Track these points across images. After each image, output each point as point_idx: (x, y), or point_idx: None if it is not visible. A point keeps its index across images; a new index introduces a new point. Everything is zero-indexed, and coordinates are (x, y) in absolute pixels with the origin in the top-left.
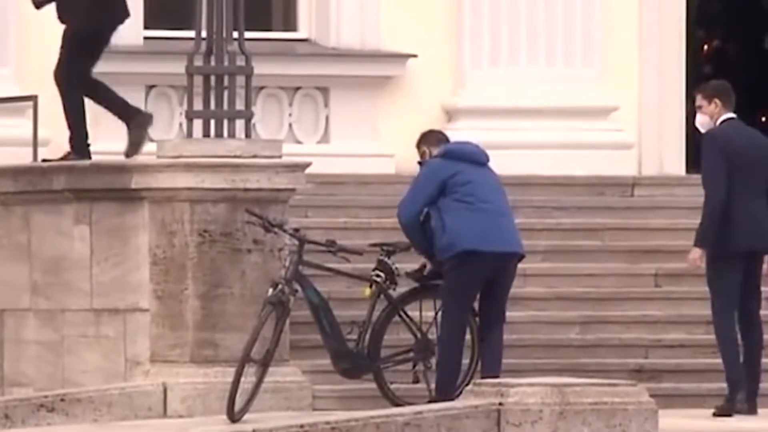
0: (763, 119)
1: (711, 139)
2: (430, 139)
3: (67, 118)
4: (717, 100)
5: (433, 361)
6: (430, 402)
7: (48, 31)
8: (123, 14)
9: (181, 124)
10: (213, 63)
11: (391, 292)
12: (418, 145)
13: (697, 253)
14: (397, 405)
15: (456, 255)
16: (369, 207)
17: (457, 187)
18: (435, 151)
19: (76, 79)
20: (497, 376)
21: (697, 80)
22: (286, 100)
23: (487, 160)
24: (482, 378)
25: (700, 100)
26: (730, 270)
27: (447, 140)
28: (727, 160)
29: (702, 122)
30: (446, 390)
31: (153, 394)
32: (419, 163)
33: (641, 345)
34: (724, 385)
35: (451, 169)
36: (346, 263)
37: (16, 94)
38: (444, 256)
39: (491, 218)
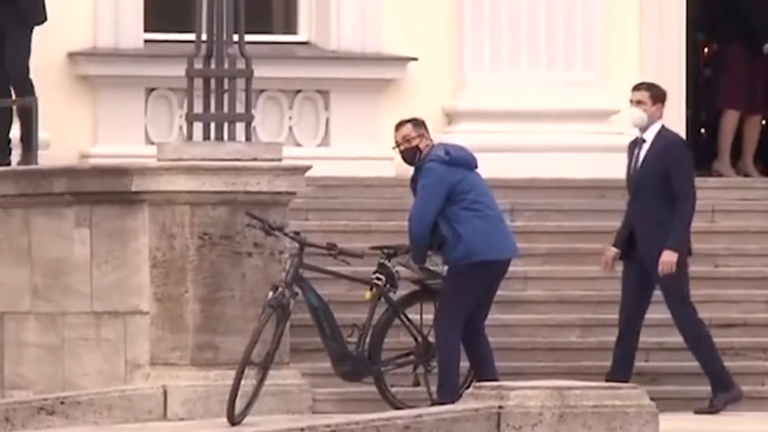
0: (763, 122)
1: (684, 148)
2: (425, 125)
3: (24, 117)
4: (660, 105)
5: (434, 363)
6: (432, 405)
7: (44, 35)
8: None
9: (181, 127)
10: (213, 66)
11: (391, 295)
12: (414, 127)
13: (674, 257)
14: (398, 408)
15: (471, 264)
16: (369, 210)
17: (464, 195)
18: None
19: None
20: (496, 380)
21: (697, 83)
22: (287, 103)
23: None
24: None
25: (645, 98)
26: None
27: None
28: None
29: (638, 119)
30: (449, 393)
31: (153, 397)
32: (415, 149)
33: (642, 348)
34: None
35: (457, 175)
36: (346, 266)
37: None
38: (457, 264)
39: (497, 225)
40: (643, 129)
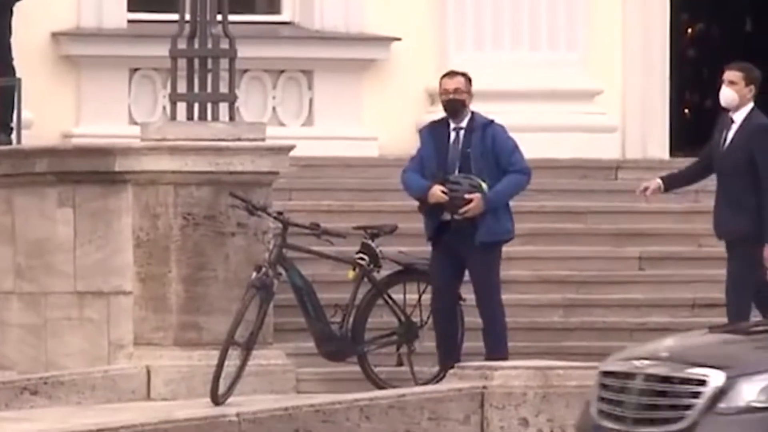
0: None
1: None
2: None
3: (5, 97)
4: (753, 87)
5: (417, 344)
6: (416, 386)
7: (27, 15)
8: None
9: (164, 107)
10: (197, 46)
11: (374, 274)
12: (467, 82)
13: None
14: (381, 388)
15: (510, 240)
16: (353, 190)
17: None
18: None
19: None
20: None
21: (680, 63)
22: (270, 83)
23: None
24: (489, 360)
25: (737, 78)
26: None
27: None
28: None
29: (730, 99)
30: (502, 352)
31: (136, 377)
32: (461, 102)
33: (625, 328)
34: None
35: None
36: (329, 246)
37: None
38: (503, 236)
39: None
40: (734, 110)
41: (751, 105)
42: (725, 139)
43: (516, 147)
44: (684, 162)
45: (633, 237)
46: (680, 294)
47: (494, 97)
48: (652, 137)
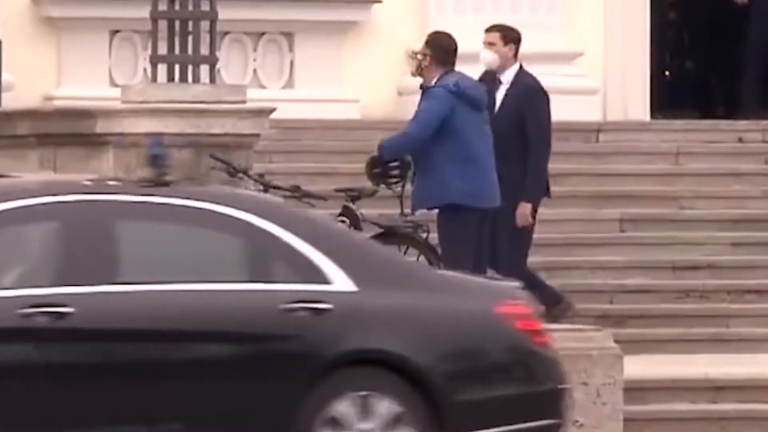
0: None
1: (540, 92)
2: (447, 52)
3: None
4: (513, 45)
5: None
6: None
7: None
8: None
9: (145, 70)
10: (177, 8)
11: None
12: (429, 46)
13: (529, 209)
14: None
15: (445, 206)
16: (334, 152)
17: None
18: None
19: None
20: None
21: (661, 26)
22: (251, 45)
23: None
24: None
25: (496, 39)
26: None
27: None
28: None
29: (490, 60)
30: None
31: None
32: (418, 67)
33: (606, 290)
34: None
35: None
36: (310, 208)
37: None
38: (431, 203)
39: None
40: (499, 71)
41: (517, 65)
42: (495, 101)
43: (431, 108)
44: (666, 124)
45: (614, 199)
46: (660, 256)
47: (475, 59)
48: (633, 99)
